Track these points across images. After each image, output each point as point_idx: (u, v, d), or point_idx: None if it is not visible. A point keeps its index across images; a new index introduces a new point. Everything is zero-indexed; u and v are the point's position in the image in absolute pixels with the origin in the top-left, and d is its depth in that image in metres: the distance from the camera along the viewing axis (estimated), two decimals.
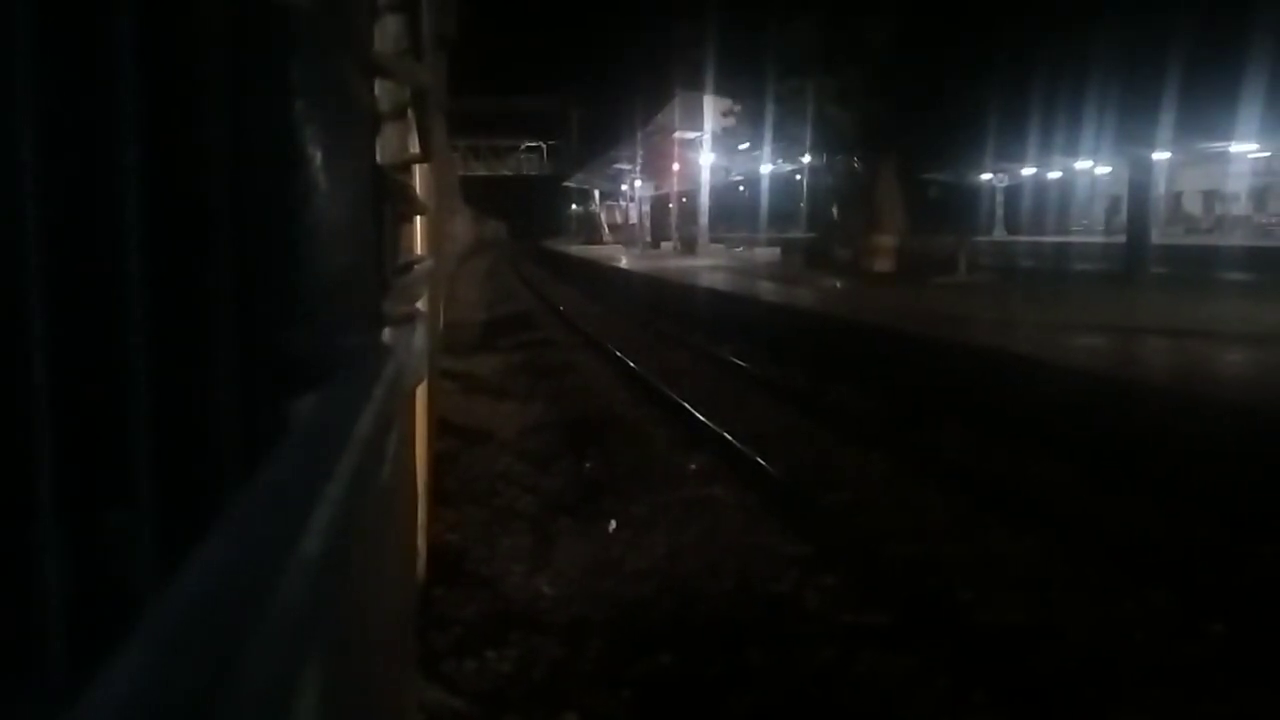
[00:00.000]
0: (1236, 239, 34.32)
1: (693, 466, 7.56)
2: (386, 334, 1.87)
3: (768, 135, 25.68)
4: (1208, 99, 20.12)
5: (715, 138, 38.99)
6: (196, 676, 0.36)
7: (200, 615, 0.41)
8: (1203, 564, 5.13)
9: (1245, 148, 37.57)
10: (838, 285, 18.70)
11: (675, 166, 45.05)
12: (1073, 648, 4.28)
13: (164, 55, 0.83)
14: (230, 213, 0.88)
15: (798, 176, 36.51)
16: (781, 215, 43.71)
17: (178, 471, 0.79)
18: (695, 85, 37.63)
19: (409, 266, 3.25)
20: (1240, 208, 42.99)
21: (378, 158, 2.16)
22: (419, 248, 3.93)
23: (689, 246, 41.38)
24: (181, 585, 0.44)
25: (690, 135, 42.22)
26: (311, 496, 0.65)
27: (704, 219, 42.57)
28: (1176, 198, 46.43)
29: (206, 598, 0.43)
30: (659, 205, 55.62)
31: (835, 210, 26.14)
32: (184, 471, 0.78)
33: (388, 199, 2.44)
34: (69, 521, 0.69)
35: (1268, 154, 40.03)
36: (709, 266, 27.92)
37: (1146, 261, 20.23)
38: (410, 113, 2.91)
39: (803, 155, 26.81)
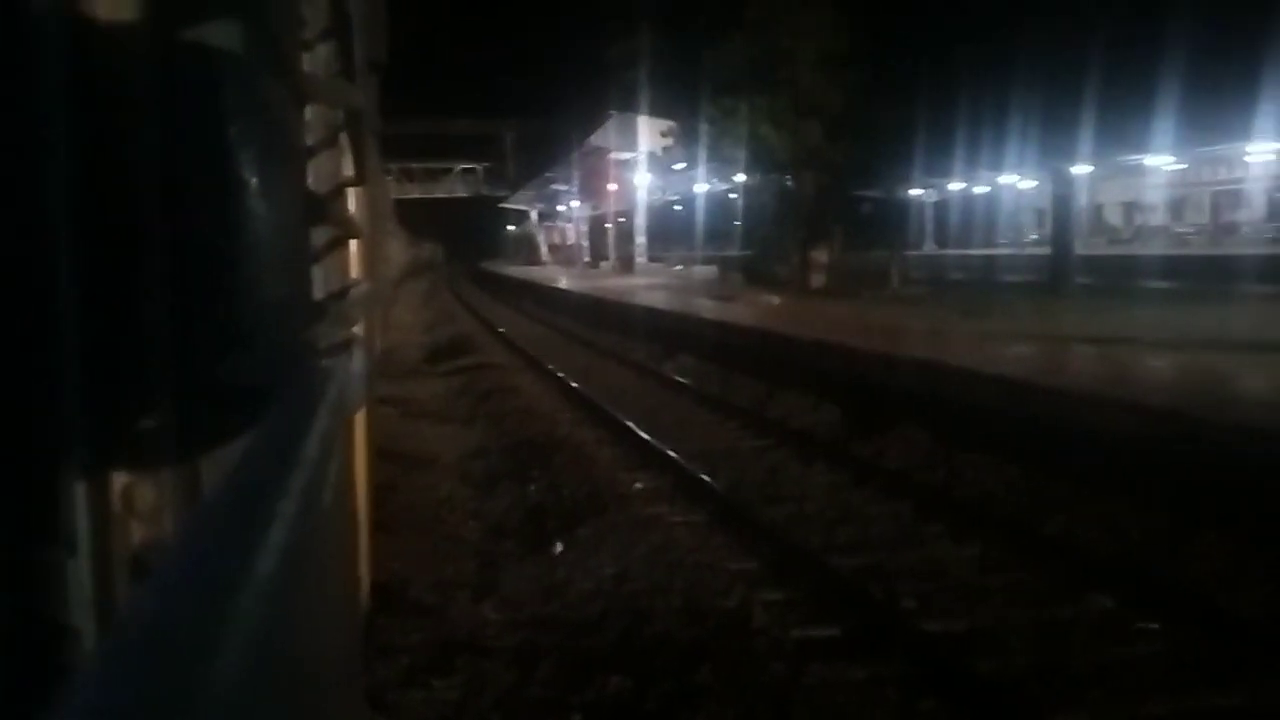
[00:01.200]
0: (1155, 249, 35.49)
1: (638, 486, 7.55)
2: (324, 360, 1.85)
3: (702, 155, 25.94)
4: (1124, 114, 20.88)
5: (652, 158, 39.26)
6: (146, 703, 0.35)
7: (149, 643, 0.40)
8: (1134, 558, 5.29)
9: (1161, 160, 38.99)
10: (775, 301, 18.90)
11: (612, 187, 45.25)
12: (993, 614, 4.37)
13: (94, 85, 0.82)
14: (163, 242, 0.87)
15: (732, 195, 36.91)
16: (718, 234, 44.08)
17: (117, 506, 0.77)
18: (630, 106, 37.86)
19: (345, 291, 3.22)
20: (1158, 218, 44.48)
21: (310, 182, 2.14)
22: (355, 272, 3.89)
23: (627, 266, 41.53)
24: (130, 614, 0.44)
25: (626, 156, 42.46)
26: (254, 526, 0.64)
27: (641, 238, 42.78)
28: (1098, 210, 47.84)
29: (155, 627, 0.43)
30: (596, 225, 55.73)
31: (770, 228, 26.47)
32: (124, 503, 0.77)
33: (322, 223, 2.41)
34: (7, 560, 0.67)
35: (1183, 166, 41.57)
36: (647, 285, 28.03)
37: (1071, 272, 20.80)
38: (343, 137, 2.89)
39: (737, 174, 27.12)
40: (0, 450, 0.66)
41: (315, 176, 2.29)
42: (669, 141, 30.70)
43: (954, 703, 3.92)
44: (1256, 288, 18.60)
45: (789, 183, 23.76)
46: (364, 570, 4.01)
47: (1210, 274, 22.07)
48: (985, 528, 5.95)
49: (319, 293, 2.21)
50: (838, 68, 20.54)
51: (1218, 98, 21.30)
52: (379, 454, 6.90)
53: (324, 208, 2.35)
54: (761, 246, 27.79)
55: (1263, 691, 3.91)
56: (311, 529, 0.92)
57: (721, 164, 25.66)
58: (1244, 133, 27.77)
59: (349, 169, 3.18)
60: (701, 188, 38.82)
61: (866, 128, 21.01)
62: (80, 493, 0.70)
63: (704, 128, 24.24)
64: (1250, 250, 28.51)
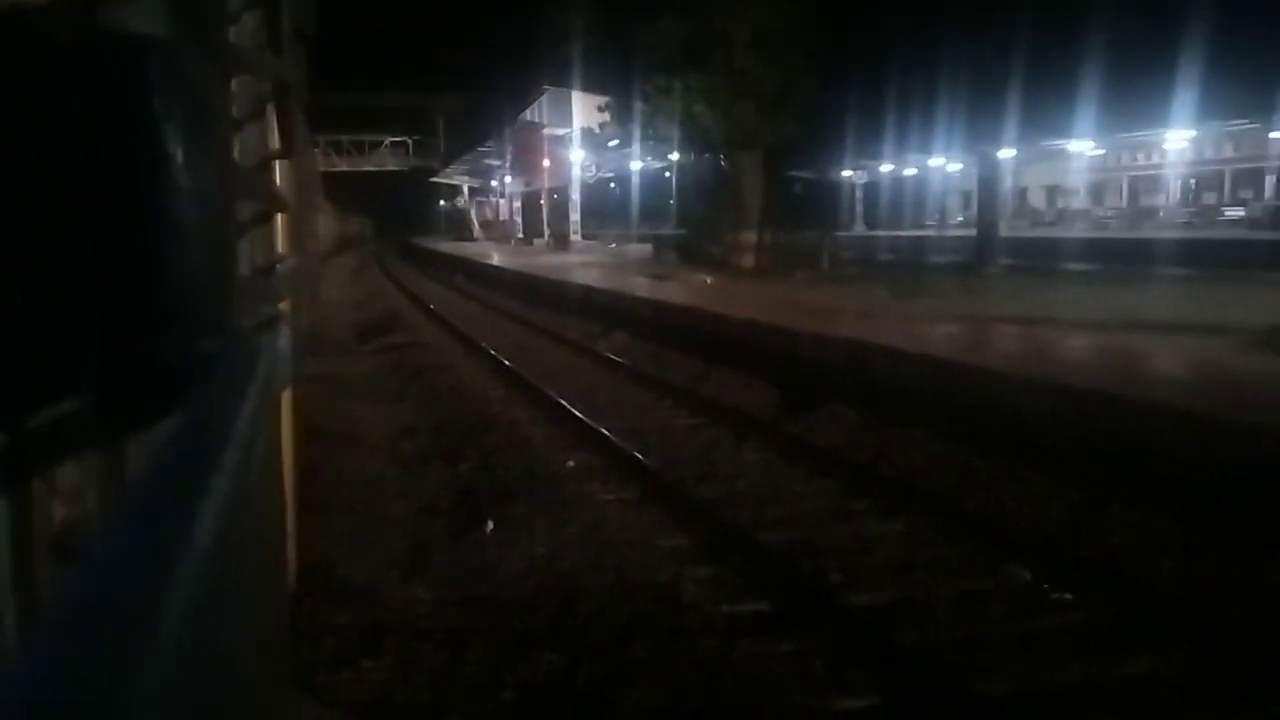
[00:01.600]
0: (1077, 231, 36.60)
1: (571, 464, 7.56)
2: (250, 337, 1.82)
3: (637, 133, 25.88)
4: (1047, 99, 21.38)
5: (587, 134, 39.04)
6: (77, 687, 0.35)
7: (76, 626, 0.40)
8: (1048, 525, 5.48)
9: (1082, 145, 40.10)
10: (708, 281, 18.99)
11: (545, 163, 44.93)
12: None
13: (14, 55, 0.79)
14: (85, 215, 0.85)
15: (667, 174, 36.93)
16: (653, 212, 44.12)
17: (41, 481, 0.75)
18: (564, 81, 37.55)
19: (271, 267, 3.16)
20: (1080, 202, 45.80)
21: (236, 156, 2.09)
22: (281, 247, 3.81)
23: (562, 243, 41.33)
24: (59, 595, 0.43)
25: (560, 132, 42.17)
26: (179, 507, 0.63)
27: (576, 215, 42.59)
28: (1022, 193, 49.04)
29: (80, 610, 0.42)
30: (530, 201, 55.33)
31: (704, 208, 26.54)
32: (48, 479, 0.75)
33: (247, 197, 2.36)
34: None
35: (1102, 151, 42.81)
36: (582, 263, 27.93)
37: (995, 253, 21.29)
38: (269, 108, 2.82)
39: (672, 153, 27.11)
40: None
41: (241, 149, 2.24)
42: (604, 118, 30.58)
43: (879, 673, 4.02)
44: (1171, 270, 19.31)
45: (723, 162, 23.84)
46: (291, 551, 3.95)
47: (1128, 257, 22.85)
48: (911, 503, 6.09)
49: (245, 268, 2.17)
50: (772, 49, 20.62)
51: (1137, 85, 21.95)
52: (307, 433, 6.79)
53: (249, 181, 2.30)
54: (695, 226, 27.88)
55: (1169, 657, 4.09)
56: (238, 510, 0.90)
57: (657, 142, 25.61)
58: (1162, 120, 28.69)
59: (275, 142, 3.11)
60: (636, 165, 38.78)
61: (800, 109, 21.15)
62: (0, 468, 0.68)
63: (639, 105, 24.14)
64: (1166, 234, 29.55)
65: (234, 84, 1.99)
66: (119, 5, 0.92)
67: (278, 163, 3.41)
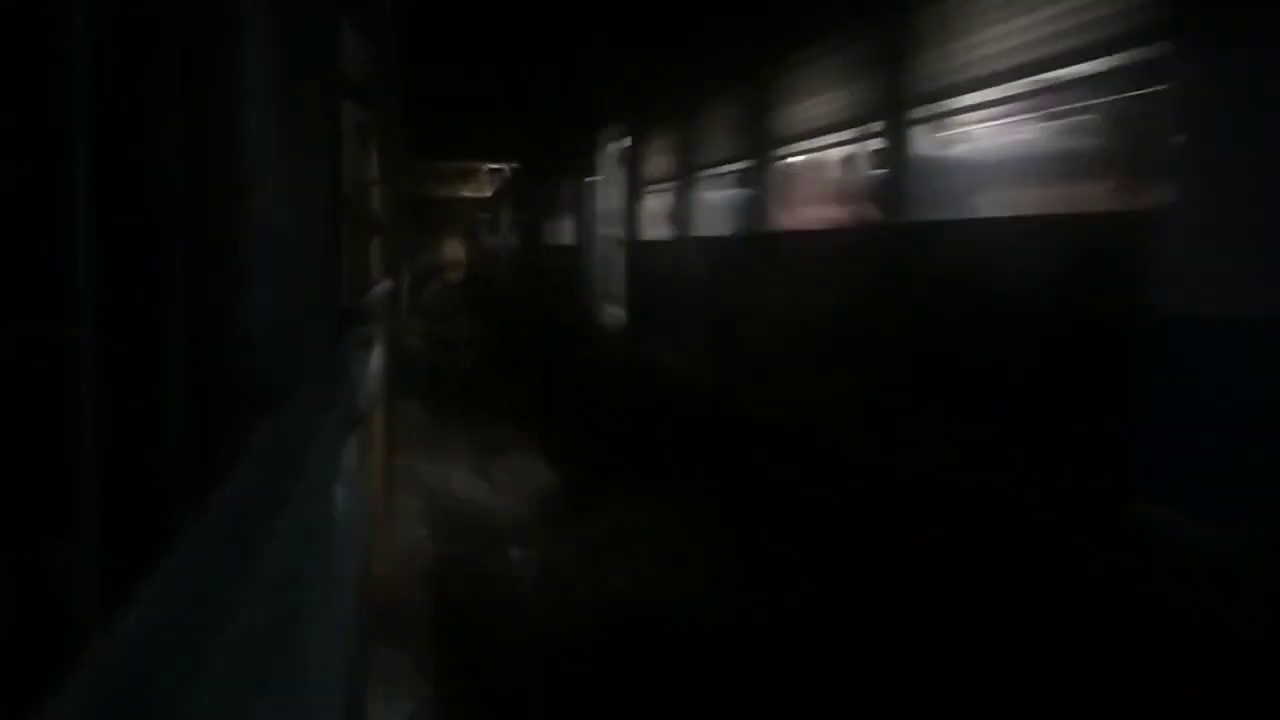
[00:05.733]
0: None
1: None
2: (345, 357, 1.85)
3: None
4: None
5: None
6: (144, 708, 0.34)
7: (152, 644, 0.40)
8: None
9: None
10: None
11: None
12: None
13: (121, 77, 0.81)
14: (186, 236, 0.86)
15: None
16: None
17: (128, 500, 0.76)
18: None
19: (367, 288, 3.23)
20: None
21: (340, 179, 2.14)
22: (376, 270, 3.90)
23: None
24: (134, 613, 0.43)
25: None
26: (264, 525, 0.63)
27: None
28: None
29: (157, 628, 0.42)
30: None
31: None
32: (135, 499, 0.76)
33: (348, 221, 2.41)
34: (15, 552, 0.67)
35: None
36: None
37: None
38: (372, 133, 2.89)
39: None
40: (16, 446, 0.66)
41: (344, 173, 2.29)
42: None
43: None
44: None
45: None
46: (379, 562, 4.00)
47: None
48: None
49: (343, 291, 2.21)
50: None
51: None
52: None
53: (351, 205, 2.35)
54: None
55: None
56: (323, 532, 0.91)
57: None
58: None
59: (376, 166, 3.19)
60: None
61: None
62: (88, 487, 0.69)
63: None
64: None
65: (342, 110, 2.04)
66: (230, 29, 0.94)
67: (376, 187, 3.49)
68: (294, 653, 0.72)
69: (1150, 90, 2.43)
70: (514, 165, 19.01)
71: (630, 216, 7.96)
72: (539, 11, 8.54)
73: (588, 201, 9.85)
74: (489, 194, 24.40)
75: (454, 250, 40.00)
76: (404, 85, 6.00)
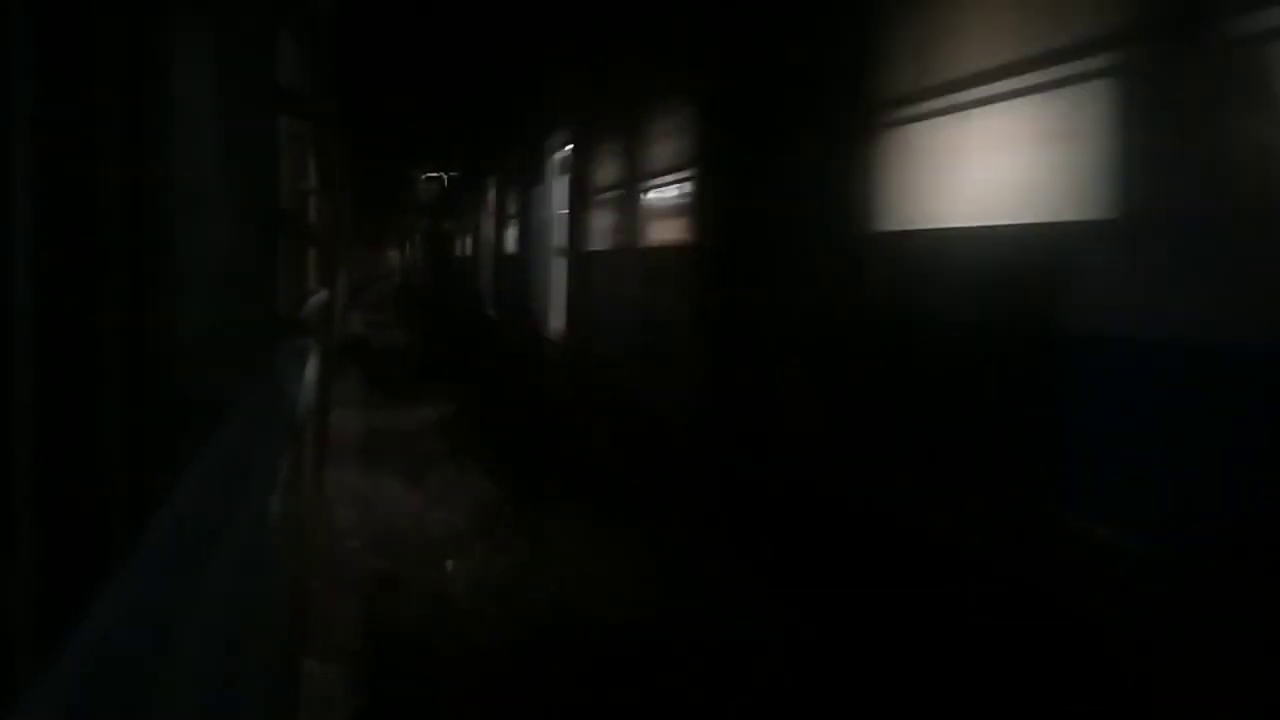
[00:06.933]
0: None
1: None
2: (281, 368, 1.83)
3: None
4: None
5: None
6: (108, 701, 0.35)
7: (104, 660, 0.40)
8: None
9: None
10: None
11: None
12: None
13: (59, 87, 0.81)
14: (123, 247, 0.86)
15: None
16: None
17: (64, 514, 0.76)
18: None
19: (303, 299, 3.20)
20: None
21: (278, 190, 2.13)
22: (312, 280, 3.85)
23: None
24: (86, 628, 0.43)
25: None
26: (207, 540, 0.64)
27: None
28: None
29: (110, 641, 0.43)
30: None
31: None
32: (71, 512, 0.76)
33: (285, 232, 2.39)
34: None
35: None
36: None
37: None
38: (310, 144, 2.87)
39: None
40: None
41: (280, 184, 2.28)
42: None
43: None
44: None
45: None
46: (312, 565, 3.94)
47: None
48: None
49: (280, 300, 2.20)
50: None
51: None
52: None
53: (287, 216, 2.33)
54: None
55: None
56: (262, 540, 0.91)
57: None
58: None
59: (313, 177, 3.16)
60: None
61: None
62: (24, 499, 0.69)
63: None
64: None
65: (279, 121, 2.03)
66: (169, 40, 0.94)
67: (312, 197, 3.46)
68: (232, 668, 0.72)
69: None
70: (453, 174, 18.86)
71: (572, 225, 7.97)
72: (482, 20, 8.53)
73: (527, 209, 9.95)
74: (426, 202, 24.21)
75: (391, 260, 39.66)
76: (344, 95, 5.94)
